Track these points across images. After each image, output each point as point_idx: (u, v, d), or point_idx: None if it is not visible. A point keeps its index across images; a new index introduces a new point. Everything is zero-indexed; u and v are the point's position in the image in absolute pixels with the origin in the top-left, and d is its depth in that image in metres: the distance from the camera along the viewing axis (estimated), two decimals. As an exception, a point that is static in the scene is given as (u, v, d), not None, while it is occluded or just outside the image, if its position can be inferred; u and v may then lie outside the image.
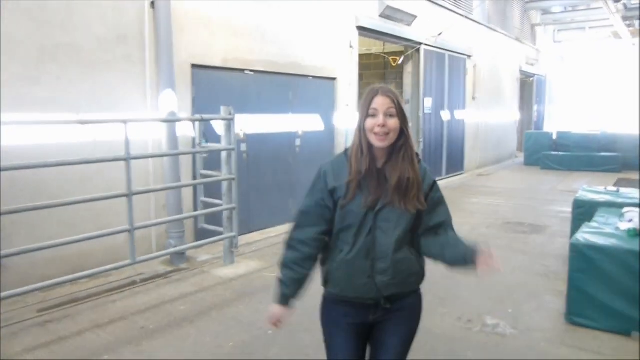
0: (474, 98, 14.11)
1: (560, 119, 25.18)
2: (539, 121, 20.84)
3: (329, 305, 2.21)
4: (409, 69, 11.39)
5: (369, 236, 2.03)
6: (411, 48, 10.95)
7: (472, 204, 9.40)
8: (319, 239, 2.13)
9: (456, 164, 13.42)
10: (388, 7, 9.57)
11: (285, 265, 2.16)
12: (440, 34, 11.48)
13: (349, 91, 8.94)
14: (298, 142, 7.91)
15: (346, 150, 2.15)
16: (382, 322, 2.14)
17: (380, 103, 2.01)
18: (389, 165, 2.05)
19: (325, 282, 2.17)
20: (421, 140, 11.39)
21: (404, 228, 2.04)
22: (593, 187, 6.27)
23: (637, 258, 3.84)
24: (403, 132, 2.04)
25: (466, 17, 13.31)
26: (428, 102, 11.57)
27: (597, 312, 4.06)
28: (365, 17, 9.08)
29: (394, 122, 2.00)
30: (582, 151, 14.71)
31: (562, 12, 20.97)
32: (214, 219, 6.00)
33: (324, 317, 2.23)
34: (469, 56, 13.55)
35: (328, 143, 8.63)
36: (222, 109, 5.43)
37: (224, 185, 5.60)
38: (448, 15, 12.24)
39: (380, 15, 9.60)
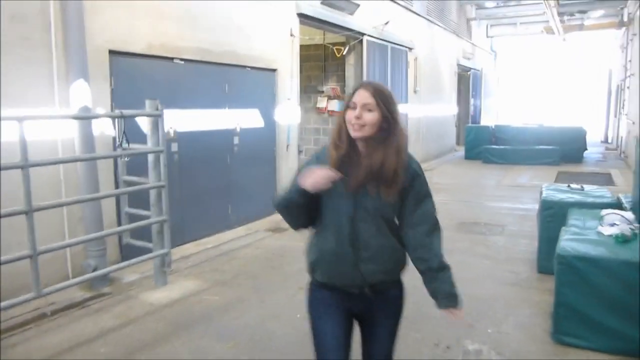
0: (415, 91, 13.76)
1: (497, 112, 25.62)
2: (475, 115, 20.96)
3: (316, 290, 2.23)
4: (351, 60, 10.80)
5: (351, 225, 2.06)
6: (353, 39, 10.36)
7: (422, 203, 8.93)
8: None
9: (400, 160, 12.99)
10: (330, -7, 8.93)
11: (279, 195, 2.15)
12: (387, 23, 10.98)
13: (291, 84, 8.22)
14: (236, 140, 7.10)
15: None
16: (368, 314, 2.20)
17: (360, 97, 2.05)
18: (370, 154, 2.06)
19: (313, 270, 2.20)
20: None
21: (384, 216, 2.08)
22: (556, 185, 5.89)
23: (636, 269, 3.38)
24: (389, 124, 2.06)
25: (407, 8, 12.90)
26: (372, 96, 11.02)
27: (589, 331, 3.59)
28: (307, 4, 8.37)
29: (370, 116, 2.03)
30: (521, 144, 14.76)
31: (495, 7, 21.17)
32: (143, 232, 5.10)
33: (312, 299, 2.25)
34: (410, 48, 13.16)
35: (269, 140, 7.88)
36: (148, 103, 4.57)
37: (152, 194, 4.74)
38: (390, 5, 11.77)
39: (322, 3, 8.93)
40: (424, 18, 14.43)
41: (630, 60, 14.81)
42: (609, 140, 21.76)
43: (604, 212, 4.27)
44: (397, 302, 2.25)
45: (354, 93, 2.08)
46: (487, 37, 23.31)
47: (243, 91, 7.19)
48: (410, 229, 2.13)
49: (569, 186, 5.70)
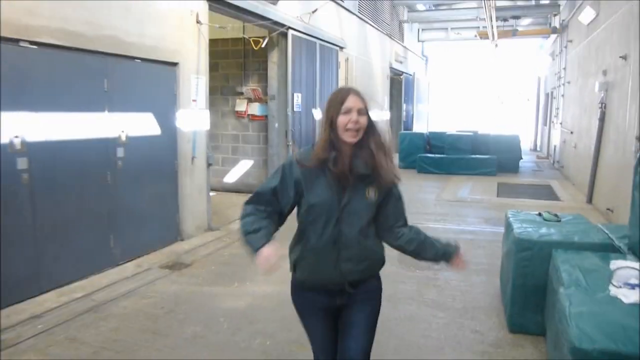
0: (346, 95, 12.53)
1: (428, 119, 25.03)
2: (407, 121, 20.10)
3: (298, 292, 2.36)
4: (274, 58, 9.37)
5: (335, 227, 2.17)
6: (277, 32, 8.95)
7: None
8: (268, 211, 2.22)
9: (330, 170, 11.71)
10: (247, -25, 7.47)
11: (245, 232, 2.14)
12: (315, 11, 9.65)
13: (198, 82, 6.69)
14: (120, 152, 5.48)
15: (313, 145, 2.23)
16: (347, 305, 2.30)
17: (354, 101, 2.16)
18: (357, 160, 2.19)
19: (294, 268, 2.31)
20: (290, 144, 9.46)
21: (366, 220, 2.21)
22: (525, 213, 4.72)
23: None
24: (370, 128, 2.21)
25: (338, 3, 11.66)
26: (298, 99, 9.67)
27: None
28: (218, -15, 6.87)
29: (364, 120, 2.18)
30: (456, 153, 13.92)
31: (427, 10, 20.50)
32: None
33: (296, 303, 2.37)
34: (341, 48, 11.93)
35: (168, 152, 6.30)
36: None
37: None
38: (318, -3, 10.47)
39: (238, -14, 7.46)
40: (356, 16, 13.28)
41: (564, 68, 14.35)
42: (538, 148, 21.65)
43: (614, 264, 3.10)
44: (375, 292, 2.37)
45: (342, 100, 2.17)
46: (419, 41, 22.66)
47: (130, 89, 5.60)
48: (392, 222, 2.31)
49: (539, 214, 4.56)
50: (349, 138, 2.14)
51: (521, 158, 14.50)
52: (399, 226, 2.31)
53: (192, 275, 5.40)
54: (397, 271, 5.43)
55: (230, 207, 8.97)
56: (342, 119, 2.14)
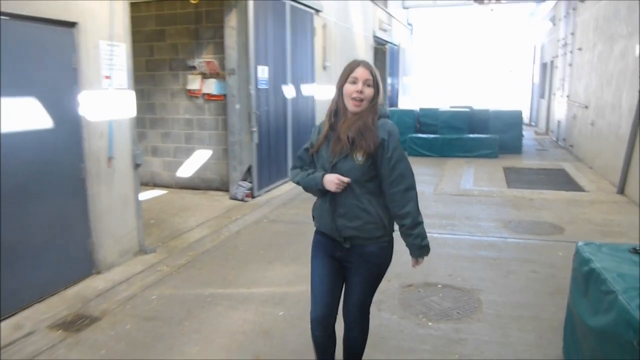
0: (324, 67, 10.66)
1: (414, 93, 23.20)
2: (393, 96, 18.27)
3: (316, 234, 2.66)
4: (232, 21, 7.43)
5: None
6: (233, -12, 7.01)
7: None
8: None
9: (307, 158, 9.87)
10: None
11: (302, 179, 2.55)
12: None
13: (113, 52, 4.76)
14: (-23, 159, 3.61)
15: None
16: (347, 263, 2.53)
17: (361, 73, 2.39)
18: (346, 125, 2.39)
19: (313, 217, 2.65)
20: (255, 129, 7.60)
21: (354, 178, 2.37)
22: (607, 248, 2.95)
23: None
24: (374, 100, 2.43)
25: (311, -44, 9.69)
26: (263, 73, 7.77)
27: None
28: None
29: (369, 92, 2.40)
30: (451, 132, 12.15)
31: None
32: None
33: (313, 240, 2.66)
34: (317, 11, 10.00)
35: (68, 152, 4.39)
36: None
37: None
38: (286, -53, 8.49)
39: None
40: (334, -26, 11.31)
41: (572, 33, 12.59)
42: (533, 123, 20.05)
43: None
44: (373, 257, 2.49)
45: (351, 69, 2.40)
46: (404, 8, 20.69)
47: (-7, 62, 3.68)
48: (389, 188, 2.41)
49: (636, 251, 2.83)
50: (352, 107, 2.40)
51: (522, 136, 12.81)
52: (395, 192, 2.40)
53: (92, 344, 3.57)
54: (399, 324, 3.69)
55: (180, 211, 7.11)
56: (348, 87, 2.39)
